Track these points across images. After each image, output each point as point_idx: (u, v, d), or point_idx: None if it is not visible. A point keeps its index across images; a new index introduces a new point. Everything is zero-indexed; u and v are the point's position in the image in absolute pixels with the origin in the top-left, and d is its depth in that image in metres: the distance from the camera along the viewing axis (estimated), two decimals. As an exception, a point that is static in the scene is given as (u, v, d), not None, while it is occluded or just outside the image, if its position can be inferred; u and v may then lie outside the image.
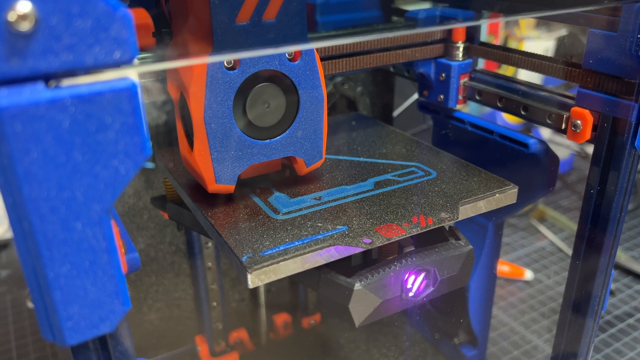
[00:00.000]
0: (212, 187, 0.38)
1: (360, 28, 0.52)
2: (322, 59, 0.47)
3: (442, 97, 0.54)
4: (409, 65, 0.55)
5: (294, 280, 0.40)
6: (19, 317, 0.76)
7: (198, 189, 0.41)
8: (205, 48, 0.36)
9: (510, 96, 0.48)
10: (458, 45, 0.52)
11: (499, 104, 0.50)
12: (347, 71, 0.49)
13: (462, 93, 0.53)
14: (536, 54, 0.47)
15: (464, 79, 0.53)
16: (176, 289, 0.63)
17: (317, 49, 0.40)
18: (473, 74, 0.53)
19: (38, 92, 0.20)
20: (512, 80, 0.49)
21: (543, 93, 0.46)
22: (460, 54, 0.52)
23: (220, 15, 0.34)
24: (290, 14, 0.36)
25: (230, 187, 0.39)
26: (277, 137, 0.39)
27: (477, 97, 0.52)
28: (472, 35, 0.52)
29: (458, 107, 0.54)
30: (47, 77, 0.20)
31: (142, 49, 0.39)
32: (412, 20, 0.52)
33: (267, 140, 0.39)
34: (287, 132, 0.40)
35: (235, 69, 0.36)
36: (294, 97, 0.39)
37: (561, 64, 0.44)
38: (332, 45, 0.47)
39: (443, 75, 0.53)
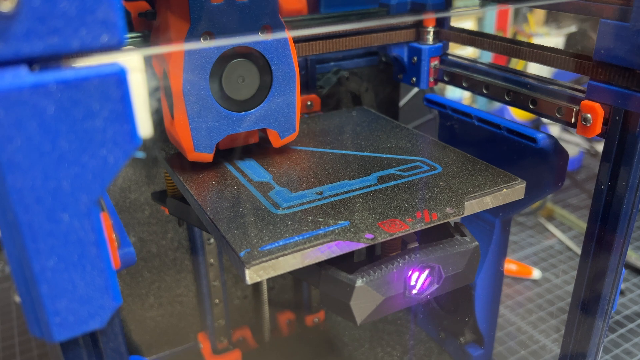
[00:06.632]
0: (192, 155, 0.41)
1: (337, 13, 0.55)
2: (300, 41, 0.51)
3: (414, 79, 0.57)
4: (384, 49, 0.57)
5: (294, 276, 0.39)
6: (22, 312, 0.76)
7: (198, 184, 0.41)
8: (183, 26, 0.38)
9: (519, 90, 0.47)
10: (429, 29, 0.55)
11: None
12: (324, 52, 0.53)
13: (433, 75, 0.56)
14: (508, 38, 0.48)
15: (435, 62, 0.56)
16: (178, 285, 0.63)
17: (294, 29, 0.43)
18: (443, 57, 0.56)
19: (21, 76, 0.19)
20: (521, 73, 0.48)
21: (552, 86, 0.44)
22: (431, 38, 0.55)
23: None
24: None
25: (208, 156, 0.42)
26: (252, 110, 0.42)
27: (447, 79, 0.56)
28: (442, 21, 0.55)
29: (465, 103, 0.54)
30: (31, 61, 0.19)
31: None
32: (385, 6, 0.56)
33: (243, 113, 0.42)
34: (261, 105, 0.42)
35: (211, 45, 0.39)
36: (267, 72, 0.42)
37: (537, 48, 0.45)
38: (309, 29, 0.51)
39: (415, 58, 0.56)
